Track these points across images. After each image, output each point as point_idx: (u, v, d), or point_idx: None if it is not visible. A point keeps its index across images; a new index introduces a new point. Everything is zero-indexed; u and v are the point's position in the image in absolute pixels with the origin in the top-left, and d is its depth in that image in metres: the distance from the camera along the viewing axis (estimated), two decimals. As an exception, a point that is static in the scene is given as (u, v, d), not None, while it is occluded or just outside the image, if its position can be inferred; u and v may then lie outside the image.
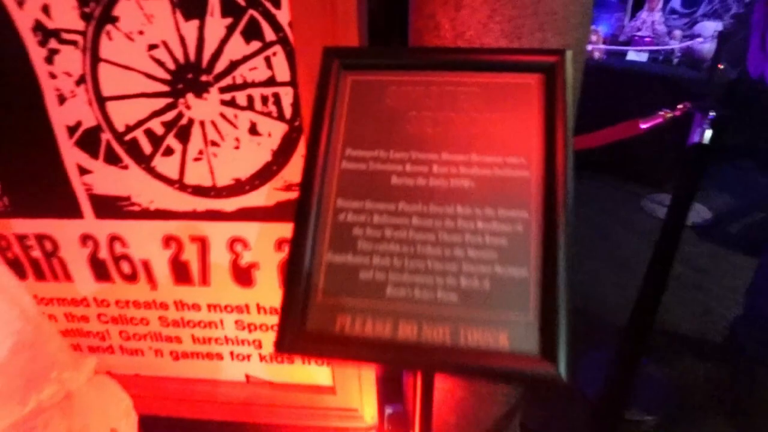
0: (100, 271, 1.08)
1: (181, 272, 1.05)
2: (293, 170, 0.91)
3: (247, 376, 1.21)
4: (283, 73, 0.84)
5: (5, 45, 0.84)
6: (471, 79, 0.56)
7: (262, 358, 1.17)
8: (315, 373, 1.18)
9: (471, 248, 0.50)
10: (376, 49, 0.72)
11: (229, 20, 0.80)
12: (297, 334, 0.48)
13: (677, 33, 3.21)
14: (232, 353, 1.17)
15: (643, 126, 1.07)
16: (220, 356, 1.18)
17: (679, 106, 1.02)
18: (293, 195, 0.93)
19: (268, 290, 1.05)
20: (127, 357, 1.21)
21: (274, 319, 1.09)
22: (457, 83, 0.56)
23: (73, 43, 0.84)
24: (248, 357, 1.17)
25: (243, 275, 1.04)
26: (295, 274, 0.50)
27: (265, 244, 1.00)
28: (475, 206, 0.51)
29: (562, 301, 0.45)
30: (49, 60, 0.85)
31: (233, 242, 1.00)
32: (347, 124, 0.57)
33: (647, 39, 3.17)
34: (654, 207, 2.61)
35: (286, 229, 0.96)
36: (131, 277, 1.08)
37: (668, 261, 1.05)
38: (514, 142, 0.52)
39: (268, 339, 1.12)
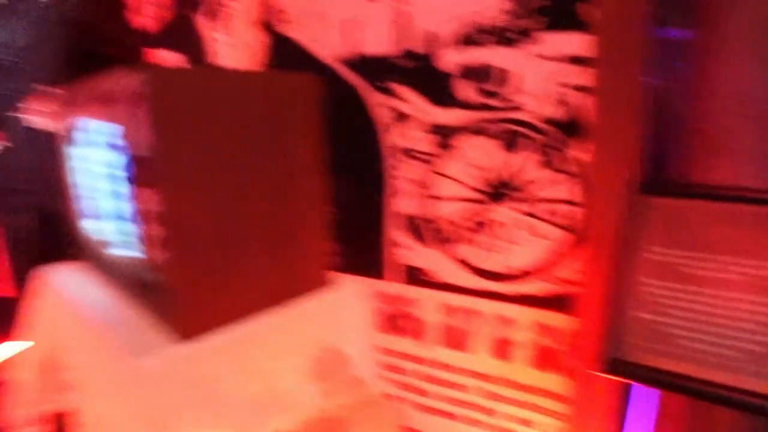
0: (384, 323, 1.46)
1: (450, 338, 1.37)
2: (570, 269, 1.17)
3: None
4: (573, 194, 1.13)
5: (371, 159, 1.33)
6: None
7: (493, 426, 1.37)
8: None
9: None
10: (680, 184, 0.95)
11: (537, 155, 1.15)
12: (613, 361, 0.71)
13: None
14: (465, 416, 1.40)
15: None
16: (451, 415, 1.41)
17: None
18: (563, 289, 1.17)
19: (524, 369, 1.28)
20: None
21: (518, 394, 1.30)
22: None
23: (418, 158, 1.28)
24: (476, 422, 1.38)
25: (503, 350, 1.30)
26: (613, 319, 0.74)
27: (528, 328, 1.25)
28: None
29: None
30: (397, 168, 1.31)
31: (500, 321, 1.28)
32: (648, 237, 0.81)
33: None
34: None
35: (552, 318, 1.21)
36: (409, 333, 1.44)
37: None
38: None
39: (509, 411, 1.33)
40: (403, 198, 1.33)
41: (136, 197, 0.81)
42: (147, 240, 0.80)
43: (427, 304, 1.37)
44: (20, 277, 1.60)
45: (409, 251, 1.36)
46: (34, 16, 1.34)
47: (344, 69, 1.33)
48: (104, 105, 0.86)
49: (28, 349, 1.27)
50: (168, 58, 1.71)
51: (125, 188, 0.85)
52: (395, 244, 1.37)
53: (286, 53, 1.43)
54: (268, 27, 1.46)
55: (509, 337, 1.28)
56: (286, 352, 0.93)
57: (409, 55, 1.24)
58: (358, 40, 1.31)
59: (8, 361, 1.65)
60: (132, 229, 0.86)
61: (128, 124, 0.77)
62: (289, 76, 0.88)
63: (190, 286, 0.76)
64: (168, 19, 1.69)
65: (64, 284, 1.13)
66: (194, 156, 0.73)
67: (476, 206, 1.24)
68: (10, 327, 2.09)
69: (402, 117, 1.28)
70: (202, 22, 1.60)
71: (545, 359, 1.23)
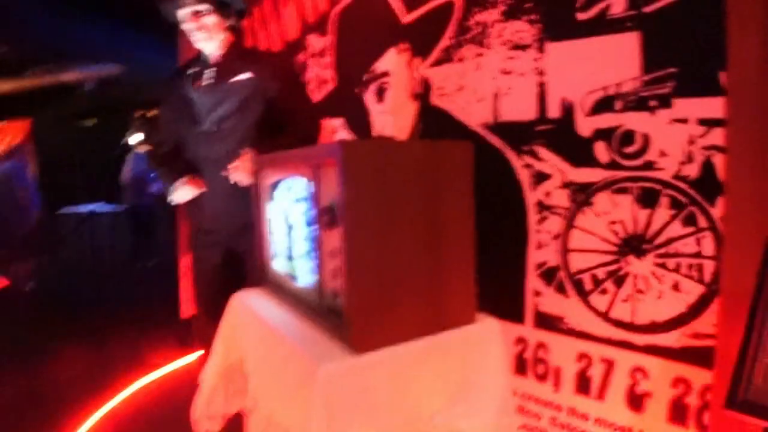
0: (520, 366, 1.58)
1: (583, 384, 1.44)
2: (704, 322, 1.21)
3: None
4: (708, 249, 1.19)
5: (515, 214, 1.50)
6: None
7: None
8: None
9: None
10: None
11: (673, 211, 1.23)
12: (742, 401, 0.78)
13: None
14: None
15: None
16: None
17: None
18: (698, 343, 1.21)
19: (655, 420, 1.31)
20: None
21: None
22: None
23: (559, 214, 1.43)
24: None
25: (635, 401, 1.34)
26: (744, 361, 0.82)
27: (663, 379, 1.29)
28: None
29: None
30: (539, 222, 1.47)
31: (635, 371, 1.34)
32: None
33: None
34: None
35: (685, 370, 1.24)
36: (542, 378, 1.54)
37: None
38: None
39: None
40: (543, 250, 1.47)
41: (323, 239, 1.08)
42: (330, 272, 1.06)
43: (563, 350, 1.46)
44: (203, 301, 1.97)
45: (548, 299, 1.48)
46: (236, 92, 1.73)
47: (489, 134, 1.55)
48: (303, 167, 1.16)
49: (216, 358, 1.59)
50: (336, 124, 2.08)
51: (313, 231, 1.14)
52: (535, 293, 1.51)
53: (436, 121, 1.69)
54: (420, 99, 1.75)
55: (643, 387, 1.32)
56: (433, 374, 1.12)
57: (549, 120, 1.42)
58: (502, 109, 1.52)
59: (197, 368, 2.01)
60: (315, 263, 1.14)
61: (323, 182, 1.05)
62: (448, 143, 1.10)
63: (363, 311, 0.99)
64: (337, 94, 2.09)
65: (252, 306, 1.45)
66: (373, 206, 0.97)
67: (614, 259, 1.34)
68: (193, 340, 2.56)
69: (543, 176, 1.44)
70: (366, 96, 1.95)
71: (678, 411, 1.25)
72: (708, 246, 1.19)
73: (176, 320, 2.99)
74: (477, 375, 1.17)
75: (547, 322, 1.49)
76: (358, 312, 0.98)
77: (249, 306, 1.42)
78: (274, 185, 1.43)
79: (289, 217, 1.34)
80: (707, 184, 1.18)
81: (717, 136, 1.16)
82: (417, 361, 1.08)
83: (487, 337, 1.18)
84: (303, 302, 1.25)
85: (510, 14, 1.47)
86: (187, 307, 2.65)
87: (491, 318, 1.20)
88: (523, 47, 1.45)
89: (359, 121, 2.02)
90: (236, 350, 1.53)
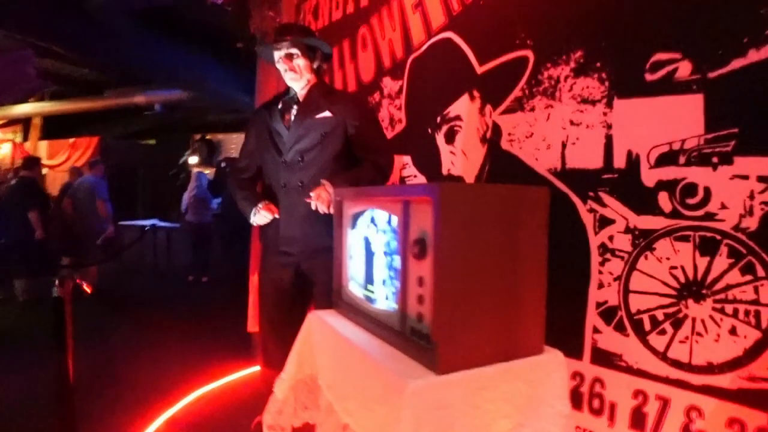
0: (576, 400, 1.68)
1: (637, 420, 1.53)
2: (760, 366, 1.29)
3: None
4: (766, 297, 1.29)
5: (579, 255, 1.63)
6: None
7: None
8: None
9: None
10: None
11: (731, 260, 1.34)
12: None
13: None
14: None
15: None
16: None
17: None
18: (755, 386, 1.30)
19: (711, 460, 1.39)
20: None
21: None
22: None
23: (621, 257, 1.55)
24: None
25: (692, 439, 1.42)
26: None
27: (718, 419, 1.37)
28: None
29: None
30: (602, 264, 1.59)
31: (690, 410, 1.42)
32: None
33: None
34: None
35: (740, 411, 1.32)
36: (597, 412, 1.63)
37: None
38: None
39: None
40: (604, 290, 1.59)
41: (410, 267, 1.24)
42: (416, 298, 1.22)
43: (619, 386, 1.56)
44: (269, 318, 2.13)
45: (607, 337, 1.59)
46: (318, 127, 1.92)
47: (556, 179, 1.69)
48: (391, 202, 1.34)
49: (289, 371, 1.73)
50: (405, 160, 2.27)
51: (398, 260, 1.30)
52: (594, 330, 1.62)
53: (505, 164, 1.86)
54: (490, 143, 1.92)
55: (698, 426, 1.40)
56: (504, 398, 1.24)
57: (614, 169, 1.56)
58: (569, 156, 1.67)
59: (270, 381, 2.15)
60: (398, 289, 1.30)
61: (413, 217, 1.22)
62: (527, 188, 1.26)
63: (448, 335, 1.14)
64: (406, 133, 2.28)
65: (331, 325, 1.59)
66: (462, 242, 1.13)
67: (673, 302, 1.45)
68: (256, 354, 2.74)
69: (607, 221, 1.58)
70: (437, 136, 2.14)
71: None
72: (766, 294, 1.29)
73: (239, 332, 3.21)
74: (542, 402, 1.29)
75: (604, 358, 1.59)
76: (443, 335, 1.12)
77: (327, 325, 1.56)
78: (356, 215, 1.61)
79: (371, 245, 1.51)
80: (766, 237, 1.29)
81: (775, 192, 1.27)
82: (490, 385, 1.21)
83: (552, 368, 1.31)
84: (382, 324, 1.40)
85: (580, 71, 1.63)
86: (253, 322, 2.85)
87: (556, 350, 1.32)
88: (592, 102, 1.60)
89: (426, 159, 2.20)
90: (310, 365, 1.67)
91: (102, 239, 5.58)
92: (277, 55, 1.94)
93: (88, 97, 7.80)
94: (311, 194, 1.81)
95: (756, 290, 1.31)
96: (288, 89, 2.04)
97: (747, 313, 1.32)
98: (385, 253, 1.46)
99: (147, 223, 7.72)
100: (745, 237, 1.33)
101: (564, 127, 1.68)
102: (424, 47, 2.21)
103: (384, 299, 1.44)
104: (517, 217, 1.24)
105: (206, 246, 6.60)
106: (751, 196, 1.31)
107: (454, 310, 1.14)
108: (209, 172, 8.09)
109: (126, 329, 4.17)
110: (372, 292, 1.53)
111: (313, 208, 1.83)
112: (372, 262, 1.53)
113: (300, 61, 1.92)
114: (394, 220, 1.38)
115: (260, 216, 1.96)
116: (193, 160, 8.92)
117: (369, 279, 1.55)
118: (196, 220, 6.43)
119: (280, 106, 2.02)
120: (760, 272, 1.30)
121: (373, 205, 1.50)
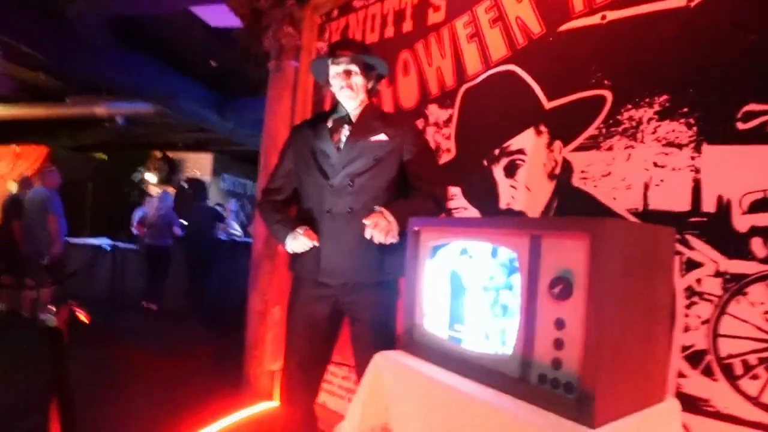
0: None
1: (727, 466, 1.54)
2: None
3: None
4: None
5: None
6: None
7: None
8: None
9: None
10: None
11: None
12: None
13: None
14: None
15: None
16: None
17: None
18: None
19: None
20: None
21: None
22: None
23: (710, 301, 1.57)
24: None
25: (788, 486, 1.44)
26: None
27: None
28: None
29: None
30: (688, 306, 1.61)
31: (787, 456, 1.45)
32: None
33: None
34: None
35: None
36: (680, 458, 1.62)
37: None
38: None
39: None
40: (690, 333, 1.61)
41: (545, 309, 1.19)
42: (552, 342, 1.17)
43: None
44: (300, 355, 2.01)
45: (693, 382, 1.60)
46: (373, 150, 1.85)
47: (634, 219, 1.72)
48: (509, 235, 1.29)
49: (353, 421, 1.61)
50: (453, 191, 2.25)
51: (512, 298, 1.26)
52: (679, 374, 1.62)
53: (577, 202, 1.87)
54: (558, 179, 1.93)
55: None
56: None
57: (703, 213, 1.60)
58: (652, 198, 1.71)
59: (292, 419, 2.01)
60: (523, 332, 1.24)
61: (545, 253, 1.18)
62: (660, 228, 1.27)
63: (602, 384, 1.10)
64: (456, 164, 2.27)
65: (415, 369, 1.50)
66: (613, 282, 1.11)
67: (766, 346, 1.48)
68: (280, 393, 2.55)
69: (694, 264, 1.61)
70: (494, 169, 2.13)
71: None
72: None
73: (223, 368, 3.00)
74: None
75: (690, 403, 1.60)
76: (600, 385, 1.07)
77: (407, 368, 1.46)
78: (437, 248, 1.53)
79: (462, 280, 1.44)
80: None
81: None
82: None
83: (675, 416, 1.29)
84: (483, 368, 1.31)
85: (666, 114, 1.70)
86: (271, 358, 2.67)
87: (673, 396, 1.30)
88: (678, 146, 1.66)
89: (479, 192, 2.20)
90: (378, 413, 1.55)
91: (48, 259, 5.12)
92: (334, 70, 1.88)
93: (44, 103, 7.30)
94: (366, 222, 1.71)
95: None
96: (336, 108, 1.98)
97: None
98: (486, 289, 1.39)
99: (95, 242, 7.22)
100: (843, 284, 1.39)
101: (647, 168, 1.72)
102: (481, 78, 2.23)
103: (481, 340, 1.37)
104: (656, 256, 1.23)
105: (163, 271, 6.23)
106: None
107: (608, 357, 1.09)
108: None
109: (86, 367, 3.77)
110: (458, 332, 1.45)
111: (368, 236, 1.73)
112: (461, 299, 1.46)
113: (358, 79, 1.88)
114: (504, 252, 1.33)
115: (299, 243, 1.84)
116: (150, 177, 8.51)
117: (456, 318, 1.48)
118: (155, 243, 6.08)
119: (330, 124, 1.94)
120: None
121: (469, 237, 1.45)
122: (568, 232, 1.16)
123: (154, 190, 7.63)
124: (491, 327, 1.36)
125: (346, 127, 1.91)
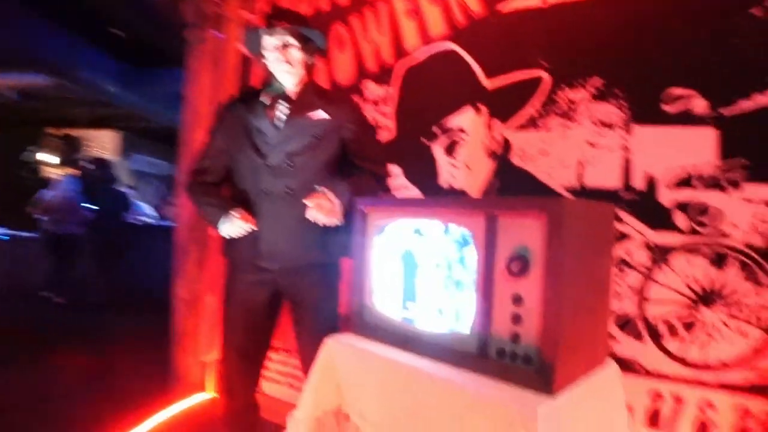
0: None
1: (653, 419, 1.70)
2: (766, 361, 1.52)
3: None
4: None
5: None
6: None
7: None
8: None
9: None
10: None
11: (740, 271, 1.57)
12: None
13: None
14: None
15: None
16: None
17: None
18: (761, 378, 1.53)
19: (721, 449, 1.60)
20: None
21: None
22: None
23: (637, 269, 1.71)
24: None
25: (703, 431, 1.62)
26: None
27: (729, 412, 1.59)
28: None
29: None
30: (619, 277, 1.74)
31: (703, 404, 1.63)
32: None
33: None
34: None
35: (749, 402, 1.57)
36: (611, 414, 1.77)
37: None
38: None
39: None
40: (622, 301, 1.74)
41: (503, 285, 1.23)
42: (511, 317, 1.21)
43: (636, 389, 1.72)
44: (239, 344, 1.95)
45: (623, 345, 1.74)
46: (312, 129, 1.80)
47: (572, 196, 1.81)
48: (463, 215, 1.32)
49: (306, 408, 1.53)
50: (394, 171, 2.25)
51: (466, 274, 1.28)
52: (610, 336, 1.76)
53: (516, 179, 1.95)
54: (498, 157, 1.98)
55: (710, 418, 1.60)
56: (592, 411, 1.29)
57: (633, 189, 1.73)
58: (587, 175, 1.81)
59: (234, 411, 1.95)
60: (480, 308, 1.28)
61: (501, 231, 1.21)
62: (604, 205, 1.35)
63: (560, 354, 1.15)
64: (396, 143, 2.26)
65: (367, 351, 1.46)
66: (568, 257, 1.17)
67: (686, 309, 1.64)
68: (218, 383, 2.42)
69: (624, 236, 1.73)
70: (434, 147, 2.15)
71: None
72: (769, 300, 1.54)
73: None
74: (613, 412, 1.36)
75: (621, 364, 1.73)
76: (558, 355, 1.12)
77: (363, 351, 1.45)
78: (384, 227, 1.51)
79: (414, 257, 1.44)
80: None
81: (777, 216, 1.53)
82: (583, 399, 1.24)
83: (615, 378, 1.39)
84: (439, 346, 1.33)
85: (599, 97, 1.80)
86: (208, 350, 2.55)
87: (611, 360, 1.41)
88: (610, 126, 1.77)
89: (420, 170, 2.21)
90: (335, 397, 1.51)
91: None
92: (270, 43, 1.77)
93: None
94: (308, 202, 1.65)
95: (761, 296, 1.54)
96: (271, 83, 1.86)
97: (754, 316, 1.56)
98: (439, 265, 1.40)
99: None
100: (751, 251, 1.57)
101: (581, 147, 1.81)
102: (421, 56, 2.22)
103: (435, 316, 1.38)
104: (601, 232, 1.30)
105: (68, 260, 5.73)
106: (757, 218, 1.55)
107: (565, 329, 1.15)
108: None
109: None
110: (411, 311, 1.45)
111: (310, 217, 1.66)
112: (413, 277, 1.46)
113: (296, 53, 1.78)
114: (457, 230, 1.33)
115: (235, 226, 1.74)
116: (47, 157, 7.73)
117: (409, 296, 1.48)
118: (59, 230, 5.57)
119: (266, 101, 1.83)
120: (764, 281, 1.55)
121: (423, 217, 1.44)
122: (525, 211, 1.19)
123: (53, 173, 6.95)
124: (445, 302, 1.38)
125: (284, 103, 1.81)
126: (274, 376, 2.63)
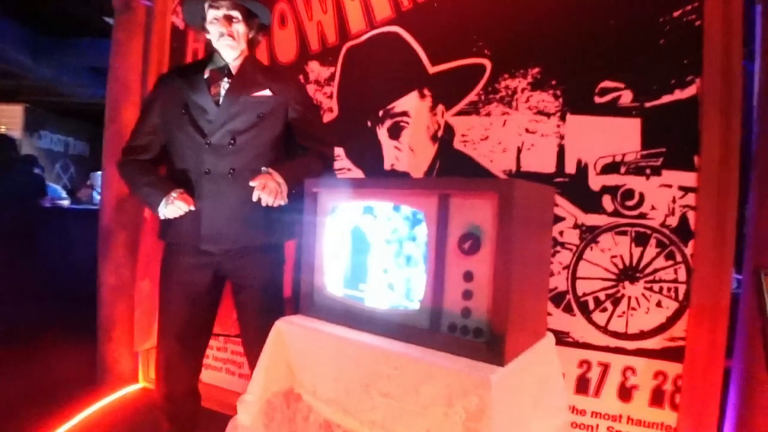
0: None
1: (582, 385, 1.86)
2: (678, 329, 1.73)
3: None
4: (682, 276, 1.72)
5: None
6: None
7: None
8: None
9: None
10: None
11: (658, 249, 1.75)
12: None
13: None
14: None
15: None
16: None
17: None
18: (674, 344, 1.71)
19: (639, 407, 1.79)
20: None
21: (638, 429, 1.78)
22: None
23: (569, 248, 1.85)
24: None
25: (625, 393, 1.80)
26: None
27: (647, 374, 1.78)
28: None
29: None
30: (553, 255, 1.87)
31: (626, 370, 1.81)
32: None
33: None
34: None
35: (664, 365, 1.77)
36: (543, 383, 1.91)
37: None
38: None
39: (630, 445, 1.80)
40: (554, 278, 1.88)
41: (454, 263, 1.29)
42: (462, 293, 1.28)
43: (567, 359, 1.87)
44: (177, 330, 1.89)
45: (556, 318, 1.88)
46: (256, 106, 1.76)
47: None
48: (416, 195, 1.36)
49: (256, 391, 1.51)
50: (336, 152, 2.25)
51: (416, 250, 1.34)
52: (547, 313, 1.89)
53: (458, 163, 2.03)
54: (441, 141, 2.05)
55: (631, 381, 1.78)
56: (534, 380, 1.39)
57: (566, 174, 1.85)
58: (525, 161, 1.92)
59: (172, 399, 1.90)
60: (431, 285, 1.33)
61: (453, 211, 1.28)
62: (547, 187, 1.45)
63: (510, 326, 1.23)
64: (338, 124, 2.27)
65: (321, 332, 1.47)
66: (518, 236, 1.25)
67: (613, 285, 1.80)
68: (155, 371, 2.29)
69: (558, 218, 1.86)
70: (379, 130, 2.18)
71: (657, 397, 1.77)
72: (682, 274, 1.73)
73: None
74: (550, 380, 1.48)
75: (555, 336, 1.87)
76: (508, 329, 1.20)
77: (317, 332, 1.47)
78: (335, 208, 1.53)
79: (366, 236, 1.47)
80: (683, 231, 1.75)
81: (690, 198, 1.73)
82: (527, 369, 1.33)
83: (552, 348, 1.51)
84: (392, 324, 1.38)
85: (537, 85, 1.90)
86: (141, 338, 2.42)
87: (549, 332, 1.52)
88: (547, 114, 1.88)
89: (362, 152, 2.24)
90: (285, 379, 1.53)
91: None
92: (213, 14, 1.71)
93: None
94: (253, 183, 1.63)
95: (675, 271, 1.74)
96: (212, 57, 1.80)
97: (669, 289, 1.74)
98: (389, 242, 1.43)
99: None
100: (668, 231, 1.75)
101: (520, 133, 1.92)
102: (365, 37, 2.23)
103: (385, 292, 1.43)
104: (544, 212, 1.40)
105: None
106: (674, 201, 1.73)
107: (514, 303, 1.22)
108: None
109: None
110: (362, 291, 1.48)
111: (255, 199, 1.65)
112: (363, 255, 1.48)
113: (239, 27, 1.73)
114: (406, 208, 1.37)
115: (174, 208, 1.68)
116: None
117: (359, 275, 1.51)
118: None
119: (207, 75, 1.77)
120: (679, 258, 1.75)
121: (374, 198, 1.46)
122: (477, 192, 1.25)
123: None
124: (396, 277, 1.42)
125: (226, 79, 1.76)
126: (212, 363, 2.58)
